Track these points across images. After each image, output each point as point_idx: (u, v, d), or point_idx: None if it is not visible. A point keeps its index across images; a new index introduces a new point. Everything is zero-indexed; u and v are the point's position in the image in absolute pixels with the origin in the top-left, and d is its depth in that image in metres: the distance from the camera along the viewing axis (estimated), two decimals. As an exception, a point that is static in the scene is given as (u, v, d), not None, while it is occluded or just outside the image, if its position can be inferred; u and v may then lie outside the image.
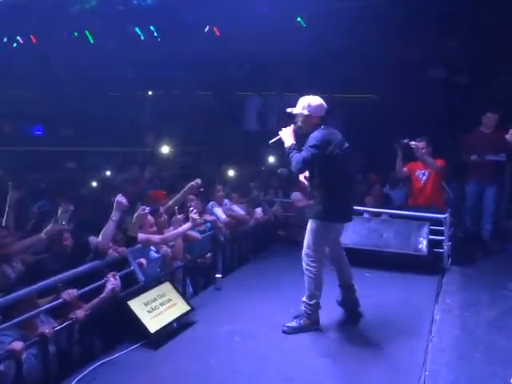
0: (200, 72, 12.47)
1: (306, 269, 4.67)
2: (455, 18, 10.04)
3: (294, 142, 4.58)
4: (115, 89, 13.89)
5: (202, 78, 12.67)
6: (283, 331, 4.63)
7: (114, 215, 4.82)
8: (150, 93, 14.57)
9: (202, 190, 6.56)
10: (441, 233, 6.64)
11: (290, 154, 4.50)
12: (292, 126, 4.71)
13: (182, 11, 11.38)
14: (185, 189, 6.31)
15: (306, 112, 4.62)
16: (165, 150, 11.07)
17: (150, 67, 12.89)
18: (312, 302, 4.65)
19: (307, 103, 4.63)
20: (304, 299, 4.69)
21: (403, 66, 11.08)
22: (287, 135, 4.64)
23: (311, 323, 4.67)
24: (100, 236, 4.80)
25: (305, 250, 4.68)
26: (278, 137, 4.69)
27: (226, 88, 12.81)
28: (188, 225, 5.64)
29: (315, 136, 4.48)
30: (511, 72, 9.20)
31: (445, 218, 6.64)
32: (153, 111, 14.13)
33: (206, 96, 13.64)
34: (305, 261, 4.67)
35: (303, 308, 4.70)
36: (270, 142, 4.79)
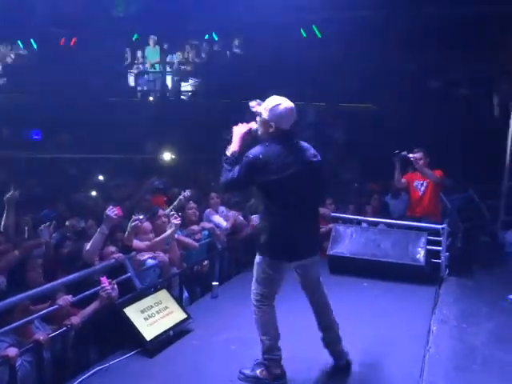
0: (201, 78, 12.52)
1: (253, 309, 3.91)
2: (455, 30, 10.11)
3: (237, 150, 3.76)
4: (115, 95, 13.92)
5: (202, 83, 12.72)
6: (238, 377, 3.92)
7: (103, 228, 4.75)
8: (150, 98, 14.59)
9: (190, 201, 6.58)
10: (438, 243, 6.64)
11: (224, 165, 3.72)
12: (252, 123, 3.87)
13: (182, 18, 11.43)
14: (175, 203, 6.43)
15: (264, 114, 3.73)
16: (166, 157, 11.06)
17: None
18: (264, 350, 3.83)
19: (271, 105, 3.70)
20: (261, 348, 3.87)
21: (402, 77, 11.14)
22: (236, 136, 3.82)
23: (270, 377, 3.81)
24: (87, 247, 4.72)
25: (252, 285, 3.93)
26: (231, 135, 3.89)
27: (228, 95, 12.86)
28: (171, 230, 5.59)
29: (249, 153, 3.68)
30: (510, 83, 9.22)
31: (442, 228, 6.64)
32: (152, 117, 14.14)
33: (207, 102, 13.68)
34: (252, 297, 3.92)
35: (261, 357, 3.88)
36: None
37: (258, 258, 3.88)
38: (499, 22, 9.46)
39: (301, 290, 4.08)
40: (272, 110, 3.68)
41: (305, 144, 3.89)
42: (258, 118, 3.80)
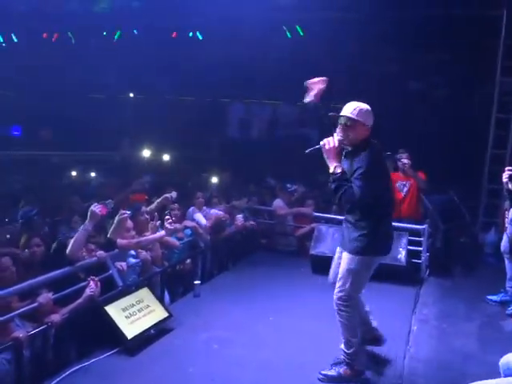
0: (181, 77, 12.45)
1: (337, 313, 3.91)
2: (436, 32, 10.20)
3: (341, 165, 3.69)
4: (96, 91, 13.80)
5: (183, 83, 12.66)
6: (318, 379, 3.96)
7: (87, 225, 4.67)
8: (131, 95, 14.49)
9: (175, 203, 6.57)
10: (419, 244, 6.70)
11: (341, 188, 3.61)
12: (336, 136, 3.77)
13: (164, 15, 11.35)
14: (159, 199, 6.39)
15: (360, 118, 3.75)
16: (146, 154, 10.99)
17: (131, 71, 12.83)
18: (350, 351, 3.92)
19: (361, 108, 3.78)
20: (342, 346, 3.98)
21: (383, 78, 11.21)
22: (331, 151, 3.70)
23: (353, 374, 3.94)
24: (70, 244, 4.64)
25: (338, 294, 3.87)
26: (317, 146, 3.77)
27: (208, 94, 12.83)
28: (162, 233, 5.61)
29: (366, 159, 3.62)
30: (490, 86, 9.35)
31: (423, 229, 6.71)
32: (134, 115, 14.06)
33: (189, 101, 13.64)
34: (336, 303, 3.89)
35: (342, 356, 3.99)
36: (308, 151, 3.83)
37: (354, 261, 3.80)
38: (479, 24, 9.57)
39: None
40: (366, 112, 3.79)
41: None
42: (340, 129, 3.79)
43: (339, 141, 3.73)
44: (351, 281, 3.80)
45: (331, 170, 3.67)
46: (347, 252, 3.85)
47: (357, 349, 3.93)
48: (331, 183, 3.69)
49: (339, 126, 3.81)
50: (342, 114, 3.81)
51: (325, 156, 3.73)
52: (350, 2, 9.94)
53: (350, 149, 3.82)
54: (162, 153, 12.12)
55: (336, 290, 3.86)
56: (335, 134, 3.79)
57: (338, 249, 4.10)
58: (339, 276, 3.86)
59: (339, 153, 3.76)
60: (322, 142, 3.74)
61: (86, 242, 4.79)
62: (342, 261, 3.88)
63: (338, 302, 3.85)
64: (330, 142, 3.71)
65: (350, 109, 3.79)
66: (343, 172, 3.66)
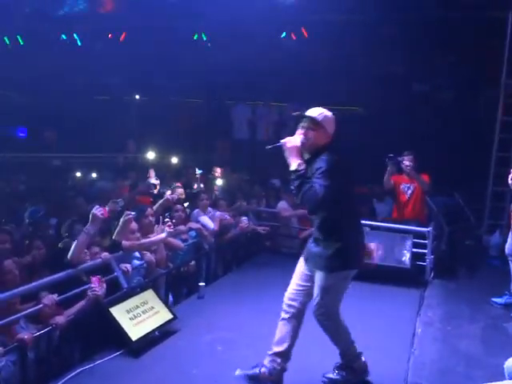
0: (187, 78, 12.47)
1: (322, 327, 3.87)
2: (442, 34, 10.19)
3: (303, 163, 3.58)
4: (101, 93, 13.84)
5: (189, 85, 12.67)
6: (322, 382, 3.98)
7: (89, 228, 4.65)
8: (136, 97, 14.52)
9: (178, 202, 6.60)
10: (424, 246, 6.69)
11: (304, 185, 3.47)
12: (299, 134, 3.70)
13: (172, 18, 11.38)
14: (161, 201, 6.40)
15: (321, 124, 3.66)
16: (150, 156, 10.97)
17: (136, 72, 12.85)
18: (348, 354, 3.94)
19: (324, 114, 3.70)
20: (339, 351, 3.98)
21: (389, 80, 11.20)
22: (293, 149, 3.60)
23: (355, 375, 3.96)
24: (71, 248, 4.64)
25: (319, 310, 3.78)
26: (279, 143, 3.66)
27: (214, 96, 12.85)
28: (162, 235, 5.60)
29: (326, 160, 3.51)
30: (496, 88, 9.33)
31: (428, 231, 6.70)
32: (139, 117, 14.07)
33: (194, 103, 13.66)
34: (318, 319, 3.83)
35: (341, 360, 4.00)
36: (268, 147, 3.75)
37: (330, 278, 3.67)
38: (484, 26, 9.56)
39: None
40: (330, 119, 3.70)
41: None
42: (303, 130, 3.68)
43: (301, 142, 3.63)
44: (330, 297, 3.73)
45: (294, 168, 3.53)
46: (320, 270, 3.69)
47: (353, 351, 3.94)
48: (294, 180, 3.53)
49: (302, 127, 3.71)
50: (306, 114, 3.71)
51: (286, 154, 3.61)
52: (355, 4, 9.94)
53: (308, 156, 3.69)
54: (167, 154, 12.12)
55: (315, 308, 3.76)
56: (299, 133, 3.70)
57: (302, 261, 3.94)
58: (315, 293, 3.73)
59: (300, 153, 3.64)
60: (283, 140, 3.64)
61: (89, 245, 4.81)
62: (317, 279, 3.73)
63: (320, 317, 3.79)
64: (292, 140, 3.63)
65: (316, 112, 3.70)
66: (306, 170, 3.54)
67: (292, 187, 3.59)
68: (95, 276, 4.47)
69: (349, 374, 3.96)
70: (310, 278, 3.81)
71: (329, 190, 3.41)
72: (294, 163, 3.55)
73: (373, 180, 8.07)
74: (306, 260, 3.87)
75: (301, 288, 3.85)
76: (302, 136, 3.67)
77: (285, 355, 3.84)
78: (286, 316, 3.84)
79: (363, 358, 3.99)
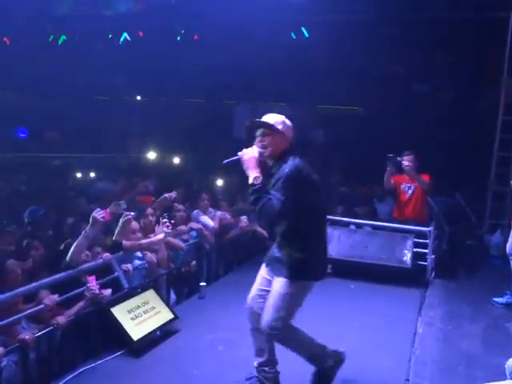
0: (188, 79, 12.48)
1: (279, 342, 3.63)
2: (442, 34, 10.20)
3: (260, 176, 3.43)
4: (102, 93, 13.86)
5: (190, 85, 12.69)
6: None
7: (88, 231, 4.64)
8: (138, 97, 14.53)
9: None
10: (425, 246, 6.69)
11: (260, 200, 3.35)
12: (256, 146, 3.57)
13: (172, 18, 11.40)
14: (158, 200, 6.38)
15: (282, 130, 3.55)
16: (151, 156, 11.01)
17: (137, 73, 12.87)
18: (316, 357, 3.70)
19: (282, 120, 3.60)
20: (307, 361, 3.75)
21: (389, 80, 11.22)
22: (251, 161, 3.47)
23: (332, 367, 3.72)
24: (70, 251, 4.63)
25: (272, 323, 3.49)
26: (236, 157, 3.56)
27: (215, 95, 12.86)
28: (161, 236, 5.59)
29: (287, 170, 3.38)
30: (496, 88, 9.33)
31: (429, 231, 6.69)
32: (140, 117, 14.09)
33: (195, 103, 13.68)
34: (270, 334, 3.56)
35: (314, 367, 3.76)
36: (225, 162, 3.62)
37: (291, 286, 3.48)
38: (485, 26, 9.57)
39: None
40: (285, 123, 3.59)
41: None
42: (259, 138, 3.58)
43: (259, 152, 3.52)
44: (287, 307, 3.48)
45: (250, 181, 3.41)
46: (280, 277, 3.51)
47: (320, 351, 3.70)
48: (250, 195, 3.42)
49: (258, 137, 3.60)
50: (261, 120, 3.62)
51: (244, 167, 3.49)
52: (355, 4, 9.96)
53: (271, 164, 3.59)
54: (168, 155, 12.14)
55: (267, 319, 3.50)
56: (254, 145, 3.58)
57: (264, 268, 3.78)
58: (270, 303, 3.53)
59: (259, 164, 3.50)
60: (240, 153, 3.54)
61: (90, 246, 4.81)
62: (275, 285, 3.54)
63: (273, 332, 3.51)
64: (249, 152, 3.51)
65: (270, 119, 3.60)
66: (263, 183, 3.41)
67: (249, 202, 3.49)
68: (91, 276, 4.47)
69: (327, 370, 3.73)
70: (270, 283, 3.65)
71: (287, 204, 3.31)
72: (251, 177, 3.44)
73: (373, 180, 8.07)
74: (267, 265, 3.73)
75: (263, 293, 3.69)
76: (259, 146, 3.58)
77: (270, 363, 3.75)
78: (256, 325, 3.70)
79: (331, 348, 3.75)
